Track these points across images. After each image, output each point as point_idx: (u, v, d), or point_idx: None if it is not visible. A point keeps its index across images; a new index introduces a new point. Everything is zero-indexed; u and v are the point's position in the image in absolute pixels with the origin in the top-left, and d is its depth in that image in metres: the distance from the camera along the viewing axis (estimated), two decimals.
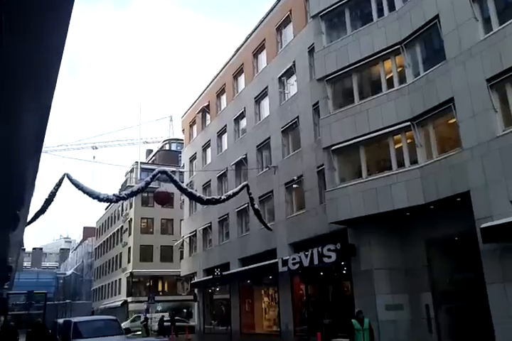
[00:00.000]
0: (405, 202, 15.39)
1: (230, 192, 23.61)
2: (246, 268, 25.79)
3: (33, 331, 15.41)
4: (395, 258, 16.78)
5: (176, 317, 39.68)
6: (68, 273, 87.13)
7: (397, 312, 16.27)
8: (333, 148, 17.96)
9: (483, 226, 12.69)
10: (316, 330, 17.70)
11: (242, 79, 30.04)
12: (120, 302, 52.91)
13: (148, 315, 36.09)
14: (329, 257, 18.17)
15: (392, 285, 16.58)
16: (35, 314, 31.57)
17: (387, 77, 17.00)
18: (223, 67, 32.77)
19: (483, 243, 12.79)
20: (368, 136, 16.76)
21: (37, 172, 7.93)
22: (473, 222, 13.23)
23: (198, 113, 36.18)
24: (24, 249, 33.39)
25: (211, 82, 34.72)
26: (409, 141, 16.07)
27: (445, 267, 15.87)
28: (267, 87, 26.26)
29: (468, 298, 15.16)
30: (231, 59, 31.59)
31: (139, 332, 33.16)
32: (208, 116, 35.19)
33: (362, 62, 17.54)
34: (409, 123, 15.70)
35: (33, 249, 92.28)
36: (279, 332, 22.95)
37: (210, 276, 29.35)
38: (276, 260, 22.20)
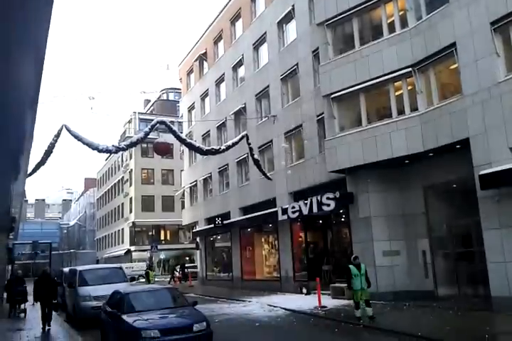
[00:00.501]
0: (404, 150, 15.35)
1: (230, 143, 23.47)
2: (246, 216, 26.16)
3: (40, 278, 15.99)
4: (392, 206, 16.96)
5: (188, 265, 40.96)
6: (71, 223, 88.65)
7: (394, 258, 16.64)
8: (333, 95, 17.70)
9: (481, 173, 12.71)
10: (316, 276, 18.17)
11: (239, 24, 29.15)
12: (124, 251, 54.19)
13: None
14: (328, 205, 18.38)
15: (390, 232, 16.85)
16: (41, 263, 32.36)
17: (389, 21, 16.46)
18: (220, 12, 31.70)
19: (481, 189, 12.85)
20: (369, 83, 16.48)
21: (35, 120, 7.77)
22: (471, 169, 13.25)
23: (195, 61, 35.41)
24: (27, 201, 33.74)
25: (208, 28, 33.69)
26: (409, 87, 15.81)
27: (442, 214, 16.05)
28: (265, 33, 25.52)
29: (464, 244, 15.47)
30: (228, 3, 30.50)
31: (143, 280, 34.12)
32: (206, 64, 34.48)
33: (363, 6, 16.94)
34: (410, 69, 15.39)
35: (36, 200, 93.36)
36: (279, 278, 23.61)
37: (212, 225, 29.83)
38: (276, 209, 22.47)
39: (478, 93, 13.16)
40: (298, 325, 13.47)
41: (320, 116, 19.99)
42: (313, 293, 17.78)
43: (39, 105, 7.34)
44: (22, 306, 18.40)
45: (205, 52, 33.80)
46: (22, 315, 17.90)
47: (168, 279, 37.74)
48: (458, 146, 14.05)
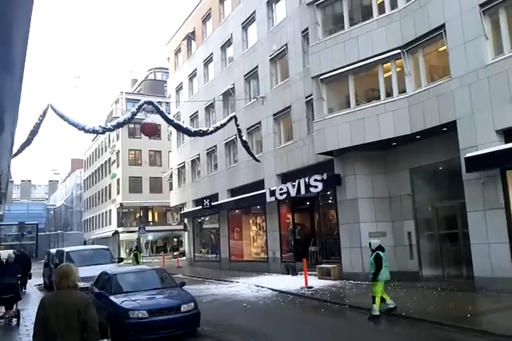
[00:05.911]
0: (392, 132, 15.38)
1: (218, 124, 23.41)
2: (234, 198, 26.20)
3: (18, 255, 19.34)
4: (379, 188, 17.08)
5: None
6: (58, 204, 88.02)
7: (380, 240, 16.70)
8: (322, 77, 17.60)
9: (467, 155, 12.79)
10: (303, 257, 18.34)
11: (228, 3, 28.70)
12: (111, 233, 54.06)
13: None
14: (315, 187, 18.45)
15: (376, 214, 17.00)
16: (28, 244, 32.19)
17: (379, 1, 16.31)
18: None
19: (466, 172, 12.96)
20: (358, 65, 16.38)
21: (20, 98, 7.62)
22: (458, 151, 13.33)
23: (183, 40, 34.90)
24: (12, 181, 33.37)
25: (196, 6, 33.12)
26: (398, 69, 15.77)
27: (428, 196, 16.19)
28: (254, 12, 25.19)
29: (449, 226, 15.66)
30: None
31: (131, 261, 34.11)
32: (194, 44, 34.00)
33: None
34: (399, 50, 15.32)
35: (22, 181, 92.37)
36: (266, 259, 23.79)
37: (200, 207, 29.83)
38: (264, 190, 22.51)
39: (466, 75, 13.16)
40: (284, 305, 13.62)
41: (309, 98, 19.91)
42: (300, 274, 17.96)
43: (24, 83, 7.18)
44: (13, 307, 12.27)
45: (194, 31, 33.31)
46: (14, 321, 12.02)
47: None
48: (445, 129, 14.11)
